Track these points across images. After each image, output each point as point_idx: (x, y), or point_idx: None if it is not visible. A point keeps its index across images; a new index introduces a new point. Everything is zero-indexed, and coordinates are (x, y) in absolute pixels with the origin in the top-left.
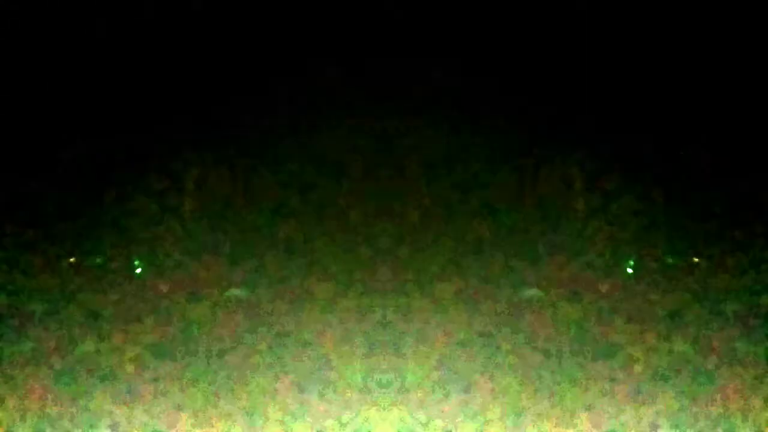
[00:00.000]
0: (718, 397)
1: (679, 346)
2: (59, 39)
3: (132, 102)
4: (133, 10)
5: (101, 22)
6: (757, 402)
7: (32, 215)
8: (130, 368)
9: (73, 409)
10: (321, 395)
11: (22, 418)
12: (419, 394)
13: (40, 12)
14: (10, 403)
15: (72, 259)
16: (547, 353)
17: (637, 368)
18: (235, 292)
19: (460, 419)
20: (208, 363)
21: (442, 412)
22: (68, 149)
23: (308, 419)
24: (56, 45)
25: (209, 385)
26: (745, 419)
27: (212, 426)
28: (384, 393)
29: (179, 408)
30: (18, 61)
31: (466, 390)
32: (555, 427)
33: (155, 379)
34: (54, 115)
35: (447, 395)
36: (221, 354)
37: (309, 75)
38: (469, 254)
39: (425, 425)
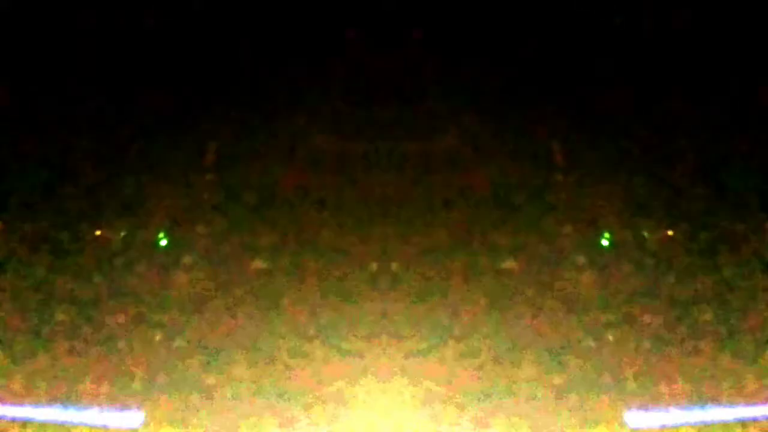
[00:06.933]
0: None
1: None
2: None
3: (154, 81)
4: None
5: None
6: None
7: (57, 191)
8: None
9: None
10: None
11: None
12: None
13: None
14: None
15: (98, 232)
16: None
17: None
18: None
19: None
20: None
21: None
22: (93, 126)
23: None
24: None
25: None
26: None
27: None
28: None
29: None
30: (45, 51)
31: None
32: None
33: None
34: (81, 95)
35: None
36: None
37: None
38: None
39: None
